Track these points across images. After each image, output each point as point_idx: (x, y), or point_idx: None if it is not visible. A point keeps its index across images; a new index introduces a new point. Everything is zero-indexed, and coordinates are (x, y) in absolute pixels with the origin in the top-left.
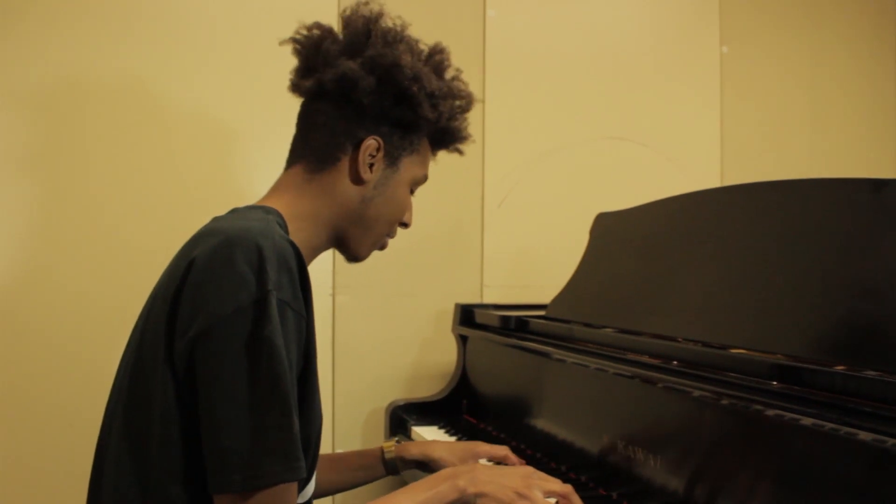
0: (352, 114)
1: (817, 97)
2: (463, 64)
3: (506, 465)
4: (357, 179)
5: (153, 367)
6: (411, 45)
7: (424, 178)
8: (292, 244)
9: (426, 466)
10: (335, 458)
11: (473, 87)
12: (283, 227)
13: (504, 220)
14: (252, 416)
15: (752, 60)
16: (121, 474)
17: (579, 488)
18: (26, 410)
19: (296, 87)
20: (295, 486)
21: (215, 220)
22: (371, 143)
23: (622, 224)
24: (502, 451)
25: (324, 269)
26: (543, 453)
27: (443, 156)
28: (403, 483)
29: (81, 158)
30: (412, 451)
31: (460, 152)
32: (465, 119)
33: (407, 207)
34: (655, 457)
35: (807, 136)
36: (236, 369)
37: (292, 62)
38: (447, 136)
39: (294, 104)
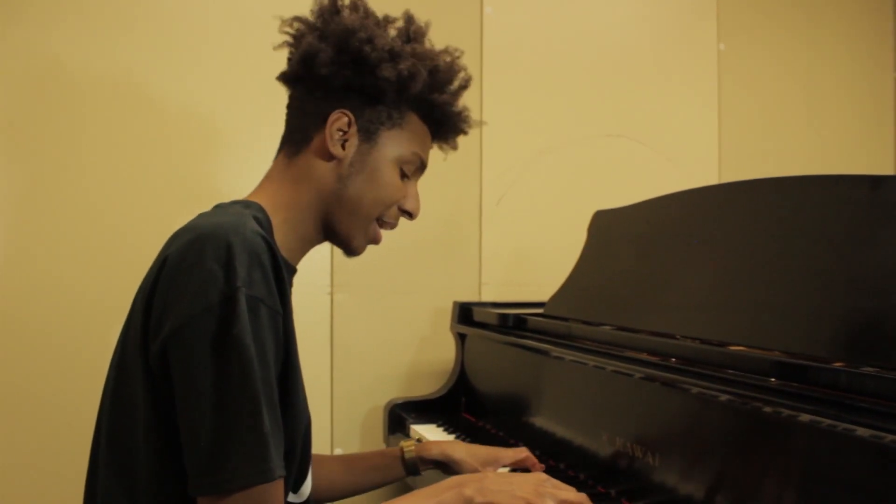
0: (318, 90)
1: (814, 93)
2: None
3: (523, 471)
4: (328, 156)
5: (135, 369)
6: (376, 15)
7: (416, 159)
8: (265, 239)
9: (446, 467)
10: (351, 459)
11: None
12: (264, 220)
13: (502, 217)
14: (219, 418)
15: (749, 57)
16: (112, 476)
17: (578, 486)
18: (23, 409)
19: (278, 77)
20: (275, 486)
21: (199, 216)
22: (338, 116)
23: (620, 221)
24: (523, 453)
25: (322, 267)
26: (542, 451)
27: (441, 153)
28: (409, 488)
29: (74, 153)
30: (432, 450)
31: (465, 132)
32: (455, 93)
33: (396, 188)
34: (654, 454)
35: (804, 133)
36: (204, 369)
37: (284, 59)
38: (436, 111)
39: (285, 100)
